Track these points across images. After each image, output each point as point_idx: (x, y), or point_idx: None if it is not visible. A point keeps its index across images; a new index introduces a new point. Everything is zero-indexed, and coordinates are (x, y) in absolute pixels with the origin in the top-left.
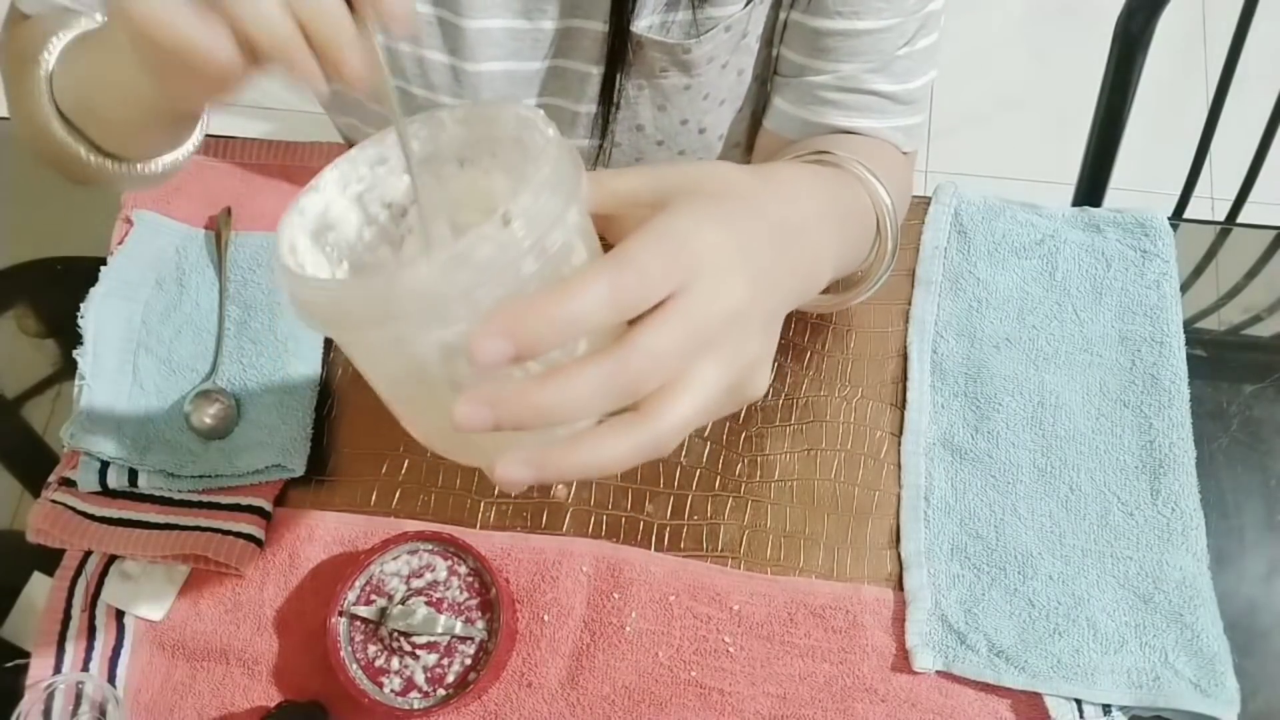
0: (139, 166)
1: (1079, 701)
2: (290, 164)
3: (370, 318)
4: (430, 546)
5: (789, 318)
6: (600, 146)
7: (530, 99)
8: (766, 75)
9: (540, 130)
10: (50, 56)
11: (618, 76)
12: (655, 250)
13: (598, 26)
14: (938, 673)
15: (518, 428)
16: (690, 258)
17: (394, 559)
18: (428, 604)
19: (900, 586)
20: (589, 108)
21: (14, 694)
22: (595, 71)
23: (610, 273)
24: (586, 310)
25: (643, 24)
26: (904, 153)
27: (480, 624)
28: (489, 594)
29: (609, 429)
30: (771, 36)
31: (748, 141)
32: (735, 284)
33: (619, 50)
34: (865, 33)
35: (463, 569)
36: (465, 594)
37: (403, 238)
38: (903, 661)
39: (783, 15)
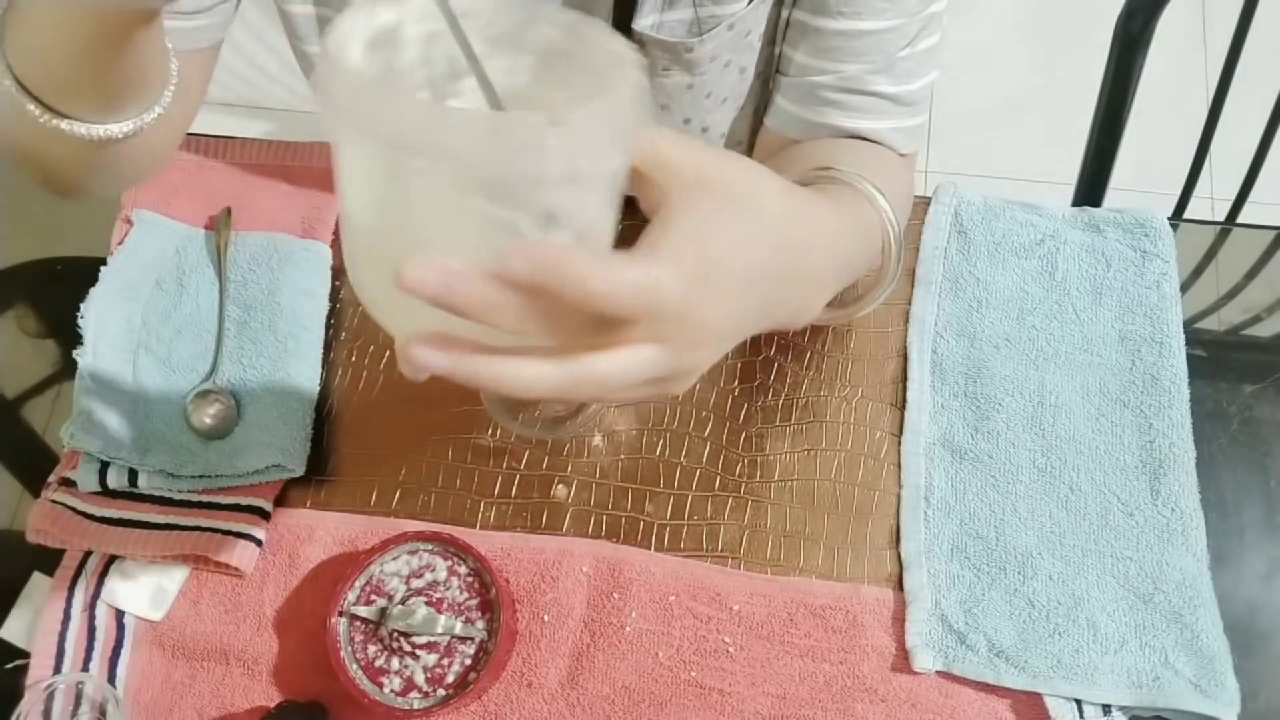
0: (98, 129)
1: (1079, 701)
2: (290, 164)
3: (380, 131)
4: (430, 546)
5: None
6: None
7: None
8: (769, 74)
9: (626, 73)
10: None
11: None
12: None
13: None
14: (938, 673)
15: (454, 310)
16: (686, 278)
17: (394, 559)
18: (428, 604)
19: (900, 586)
20: None
21: (14, 694)
22: None
23: (588, 272)
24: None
25: (645, 22)
26: (903, 154)
27: (480, 624)
28: (489, 594)
29: (534, 359)
30: (774, 35)
31: (750, 140)
32: (714, 311)
33: None
34: (868, 33)
35: (463, 569)
36: (465, 594)
37: (446, 98)
38: (903, 661)
39: (785, 14)
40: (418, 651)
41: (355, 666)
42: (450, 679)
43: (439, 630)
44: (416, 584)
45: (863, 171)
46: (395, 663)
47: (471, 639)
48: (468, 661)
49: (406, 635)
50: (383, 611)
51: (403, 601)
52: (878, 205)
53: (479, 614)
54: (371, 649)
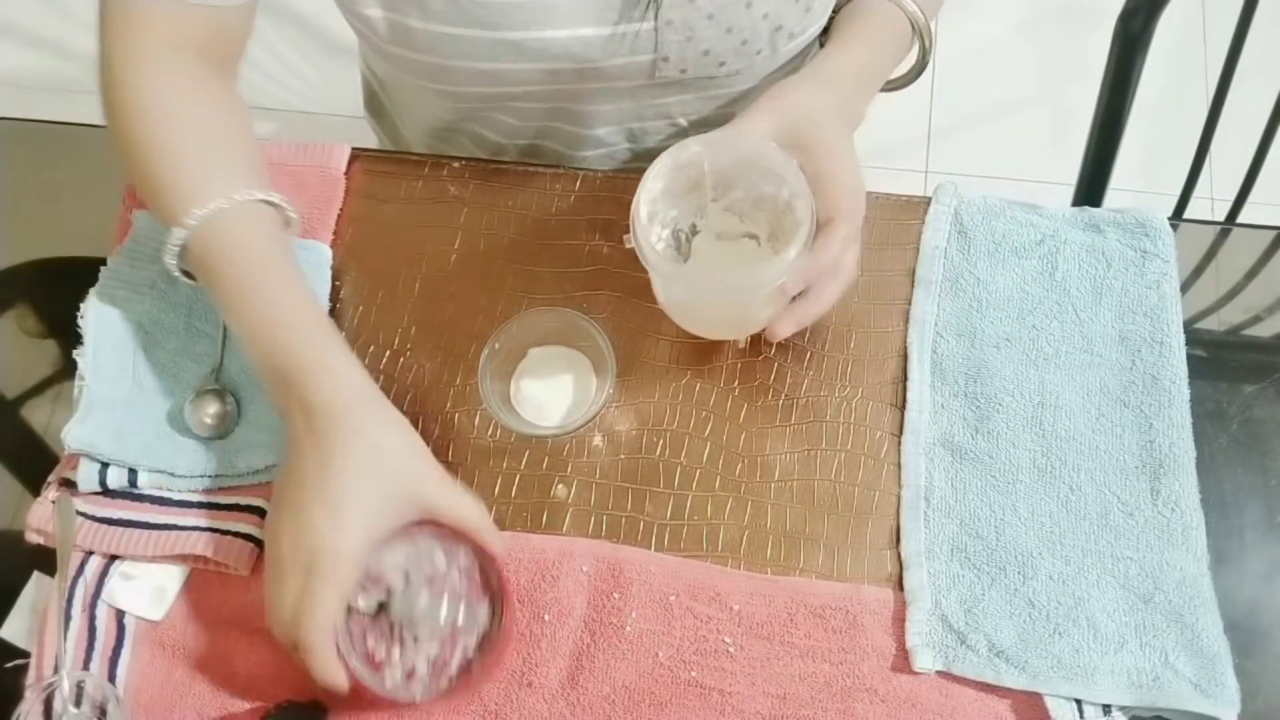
0: None
1: (1079, 701)
2: (290, 164)
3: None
4: (429, 536)
5: None
6: (655, 28)
7: None
8: None
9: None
10: (174, 249)
11: None
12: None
13: None
14: (938, 673)
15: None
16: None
17: (393, 550)
18: (428, 594)
19: (900, 586)
20: None
21: (14, 694)
22: None
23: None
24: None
25: None
26: None
27: (482, 614)
28: (490, 583)
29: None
30: None
31: (790, 27)
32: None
33: None
34: None
35: (463, 559)
36: (465, 584)
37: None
38: (903, 661)
39: None
40: (419, 641)
41: (355, 659)
42: (452, 669)
43: (440, 620)
44: (416, 575)
45: None
46: (396, 653)
47: (473, 629)
48: (469, 652)
49: (407, 626)
50: (382, 603)
51: (403, 592)
52: (903, 5)
53: (480, 603)
54: (371, 640)
